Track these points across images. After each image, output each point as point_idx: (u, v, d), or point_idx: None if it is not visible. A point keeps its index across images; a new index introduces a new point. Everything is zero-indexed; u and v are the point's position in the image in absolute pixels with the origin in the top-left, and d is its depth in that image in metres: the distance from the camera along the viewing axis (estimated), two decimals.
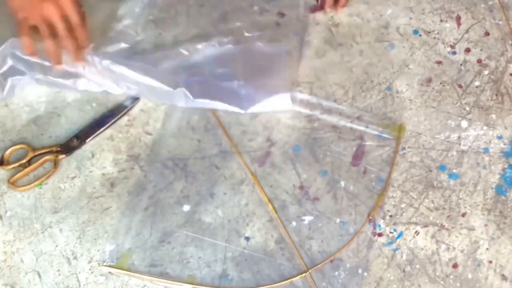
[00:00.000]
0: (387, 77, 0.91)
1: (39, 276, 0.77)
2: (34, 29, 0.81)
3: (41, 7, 0.79)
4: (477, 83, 0.90)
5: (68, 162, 0.84)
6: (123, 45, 0.89)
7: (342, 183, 0.83)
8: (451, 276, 0.78)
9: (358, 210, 0.81)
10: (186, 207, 0.81)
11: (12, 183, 0.82)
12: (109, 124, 0.86)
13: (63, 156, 0.84)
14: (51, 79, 0.83)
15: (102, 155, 0.84)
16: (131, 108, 0.87)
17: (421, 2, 0.97)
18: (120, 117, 0.86)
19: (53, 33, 0.81)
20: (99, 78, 0.84)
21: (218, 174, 0.83)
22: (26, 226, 0.80)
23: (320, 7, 0.95)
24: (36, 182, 0.82)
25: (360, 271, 0.78)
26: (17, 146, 0.84)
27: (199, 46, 0.88)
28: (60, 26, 0.80)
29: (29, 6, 0.79)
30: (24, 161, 0.83)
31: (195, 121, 0.87)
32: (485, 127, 0.87)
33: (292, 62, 0.89)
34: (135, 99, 0.87)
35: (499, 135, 0.87)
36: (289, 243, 0.79)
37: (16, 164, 0.83)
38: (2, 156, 0.83)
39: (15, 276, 0.77)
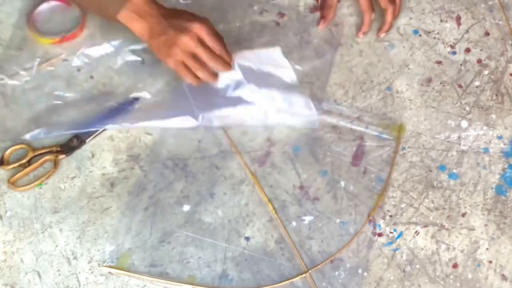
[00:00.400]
0: (387, 77, 0.91)
1: (39, 276, 0.77)
2: (184, 64, 0.82)
3: (178, 43, 0.79)
4: (477, 83, 0.90)
5: (68, 162, 0.84)
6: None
7: (342, 183, 0.83)
8: (451, 276, 0.78)
9: (358, 210, 0.81)
10: (186, 207, 0.81)
11: (12, 183, 0.82)
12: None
13: (63, 156, 0.84)
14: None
15: (102, 155, 0.84)
16: (131, 108, 0.87)
17: (421, 2, 0.97)
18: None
19: (200, 61, 0.81)
20: None
21: (218, 174, 0.83)
22: (26, 226, 0.80)
23: (320, 7, 0.95)
24: (36, 182, 0.82)
25: (360, 271, 0.78)
26: (17, 146, 0.84)
27: None
28: (201, 54, 0.80)
29: (167, 46, 0.80)
30: (24, 161, 0.82)
31: None
32: (485, 127, 0.87)
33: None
34: (135, 100, 0.87)
35: (499, 135, 0.87)
36: (289, 243, 0.79)
37: (16, 164, 0.82)
38: (2, 156, 0.83)
39: (15, 276, 0.77)
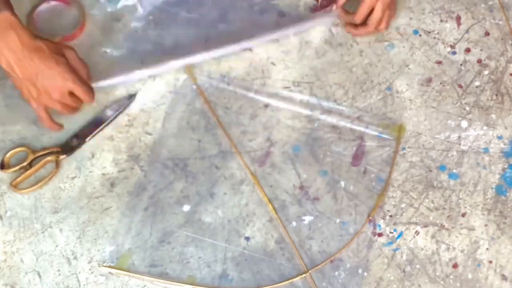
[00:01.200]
0: (387, 77, 0.91)
1: (39, 276, 0.77)
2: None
3: (40, 98, 0.80)
4: (477, 83, 0.90)
5: (68, 162, 0.84)
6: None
7: (342, 183, 0.83)
8: (451, 276, 0.78)
9: (358, 210, 0.81)
10: (186, 207, 0.81)
11: (14, 186, 0.81)
12: (107, 122, 0.85)
13: (64, 156, 0.84)
14: None
15: (102, 155, 0.84)
16: (128, 105, 0.87)
17: (421, 2, 0.97)
18: (118, 114, 0.86)
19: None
20: None
21: (218, 174, 0.83)
22: (26, 226, 0.80)
23: (320, 7, 0.95)
24: (39, 184, 0.81)
25: (360, 271, 0.78)
26: (17, 149, 0.83)
27: None
28: (57, 108, 0.82)
29: (33, 91, 0.80)
30: (25, 163, 0.82)
31: (195, 121, 0.87)
32: (485, 127, 0.87)
33: None
34: (131, 96, 0.87)
35: (499, 135, 0.87)
36: (289, 243, 0.79)
37: (17, 167, 0.82)
38: (3, 160, 0.83)
39: (15, 276, 0.77)
